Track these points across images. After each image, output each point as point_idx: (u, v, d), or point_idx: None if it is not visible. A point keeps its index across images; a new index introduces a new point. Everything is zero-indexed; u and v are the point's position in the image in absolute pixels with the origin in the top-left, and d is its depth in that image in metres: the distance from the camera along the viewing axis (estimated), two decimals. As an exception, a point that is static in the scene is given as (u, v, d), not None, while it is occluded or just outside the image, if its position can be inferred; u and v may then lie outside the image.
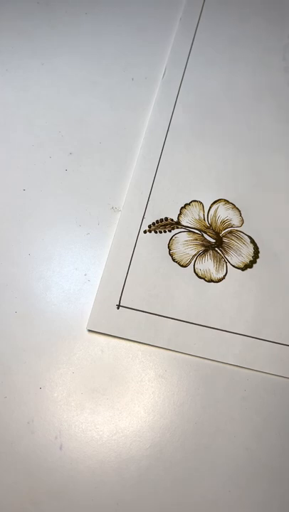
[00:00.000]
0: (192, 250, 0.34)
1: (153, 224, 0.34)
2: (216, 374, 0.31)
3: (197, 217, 0.35)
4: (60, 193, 0.36)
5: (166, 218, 0.34)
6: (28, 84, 0.39)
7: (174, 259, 0.33)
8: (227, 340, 0.31)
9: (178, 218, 0.34)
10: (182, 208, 0.35)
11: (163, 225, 0.34)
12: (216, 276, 0.33)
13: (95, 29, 0.42)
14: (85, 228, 0.35)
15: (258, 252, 0.34)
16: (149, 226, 0.34)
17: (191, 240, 0.34)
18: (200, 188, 0.35)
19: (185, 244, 0.34)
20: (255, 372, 0.31)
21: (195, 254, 0.34)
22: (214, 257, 0.33)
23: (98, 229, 0.35)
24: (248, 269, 0.33)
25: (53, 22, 0.42)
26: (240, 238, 0.34)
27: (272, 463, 0.29)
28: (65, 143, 0.37)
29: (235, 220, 0.35)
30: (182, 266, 0.33)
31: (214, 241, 0.34)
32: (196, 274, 0.33)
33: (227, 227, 0.34)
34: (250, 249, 0.34)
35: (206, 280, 0.33)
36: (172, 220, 0.34)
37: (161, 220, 0.34)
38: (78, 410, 0.30)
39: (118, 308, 0.32)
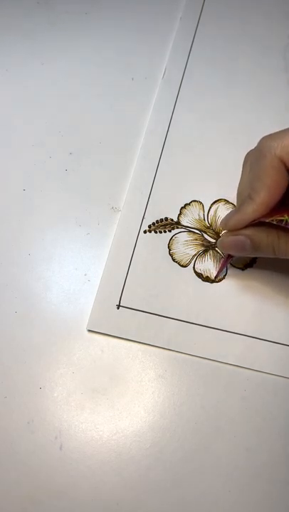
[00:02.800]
0: (192, 250, 0.34)
1: (153, 224, 0.34)
2: (216, 374, 0.31)
3: (197, 217, 0.35)
4: (60, 193, 0.36)
5: (166, 218, 0.34)
6: (28, 84, 0.39)
7: (174, 259, 0.33)
8: (227, 340, 0.31)
9: (178, 218, 0.34)
10: (182, 208, 0.35)
11: (163, 225, 0.34)
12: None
13: (95, 29, 0.42)
14: (85, 228, 0.35)
15: (258, 252, 0.34)
16: (149, 226, 0.34)
17: (191, 239, 0.34)
18: (200, 188, 0.35)
19: (185, 244, 0.34)
20: (255, 372, 0.31)
21: (195, 254, 0.34)
22: (214, 257, 0.33)
23: (98, 229, 0.35)
24: (248, 269, 0.33)
25: (53, 22, 0.42)
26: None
27: (272, 463, 0.29)
28: (65, 143, 0.37)
29: (236, 220, 0.34)
30: (182, 266, 0.33)
31: (214, 241, 0.34)
32: (196, 274, 0.33)
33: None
34: (250, 249, 0.33)
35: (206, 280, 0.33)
36: (172, 220, 0.34)
37: (161, 220, 0.34)
38: (78, 410, 0.30)
39: (118, 308, 0.32)
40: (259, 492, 0.29)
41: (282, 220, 0.25)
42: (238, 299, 0.32)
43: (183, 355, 0.31)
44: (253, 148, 0.30)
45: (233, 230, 0.29)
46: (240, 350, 0.31)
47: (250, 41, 0.41)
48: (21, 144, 0.37)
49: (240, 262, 0.33)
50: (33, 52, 0.41)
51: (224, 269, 0.33)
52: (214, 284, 0.33)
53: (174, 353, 0.31)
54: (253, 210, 0.26)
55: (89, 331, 0.32)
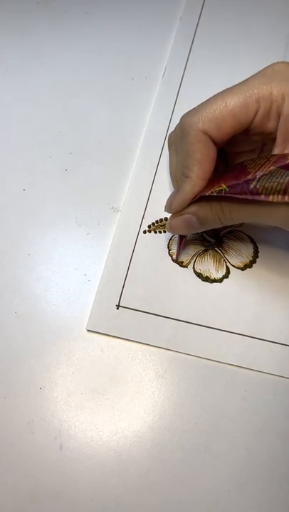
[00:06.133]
0: (192, 250, 0.34)
1: (153, 224, 0.34)
2: (216, 374, 0.31)
3: (197, 217, 0.34)
4: (60, 193, 0.36)
5: (166, 218, 0.34)
6: (28, 84, 0.39)
7: (173, 259, 0.33)
8: (227, 340, 0.31)
9: (178, 218, 0.34)
10: (182, 207, 0.35)
11: (163, 225, 0.34)
12: (215, 276, 0.33)
13: (95, 29, 0.42)
14: (85, 228, 0.35)
15: (258, 251, 0.34)
16: (149, 226, 0.34)
17: (191, 239, 0.34)
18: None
19: (184, 244, 0.34)
20: (255, 372, 0.31)
21: (194, 254, 0.34)
22: (214, 256, 0.33)
23: (98, 229, 0.35)
24: (248, 269, 0.33)
25: (52, 22, 0.42)
26: (239, 238, 0.34)
27: (272, 463, 0.29)
28: (65, 143, 0.37)
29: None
30: (182, 266, 0.33)
31: (214, 241, 0.34)
32: (196, 274, 0.33)
33: (226, 227, 0.34)
34: (250, 248, 0.33)
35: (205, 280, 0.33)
36: (172, 220, 0.34)
37: (161, 220, 0.34)
38: (78, 410, 0.30)
39: (118, 308, 0.32)
40: (259, 492, 0.29)
41: (221, 190, 0.25)
42: (238, 299, 0.32)
43: (183, 355, 0.31)
44: (172, 130, 0.31)
45: (178, 211, 0.29)
46: (240, 350, 0.31)
47: (251, 40, 0.41)
48: (21, 144, 0.37)
49: (240, 261, 0.33)
50: (33, 52, 0.41)
51: (181, 250, 0.33)
52: (214, 283, 0.33)
53: (174, 353, 0.31)
54: (191, 187, 0.27)
55: (89, 331, 0.32)
